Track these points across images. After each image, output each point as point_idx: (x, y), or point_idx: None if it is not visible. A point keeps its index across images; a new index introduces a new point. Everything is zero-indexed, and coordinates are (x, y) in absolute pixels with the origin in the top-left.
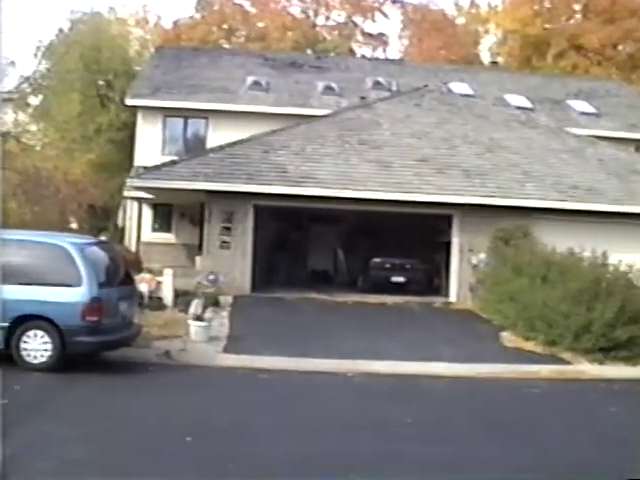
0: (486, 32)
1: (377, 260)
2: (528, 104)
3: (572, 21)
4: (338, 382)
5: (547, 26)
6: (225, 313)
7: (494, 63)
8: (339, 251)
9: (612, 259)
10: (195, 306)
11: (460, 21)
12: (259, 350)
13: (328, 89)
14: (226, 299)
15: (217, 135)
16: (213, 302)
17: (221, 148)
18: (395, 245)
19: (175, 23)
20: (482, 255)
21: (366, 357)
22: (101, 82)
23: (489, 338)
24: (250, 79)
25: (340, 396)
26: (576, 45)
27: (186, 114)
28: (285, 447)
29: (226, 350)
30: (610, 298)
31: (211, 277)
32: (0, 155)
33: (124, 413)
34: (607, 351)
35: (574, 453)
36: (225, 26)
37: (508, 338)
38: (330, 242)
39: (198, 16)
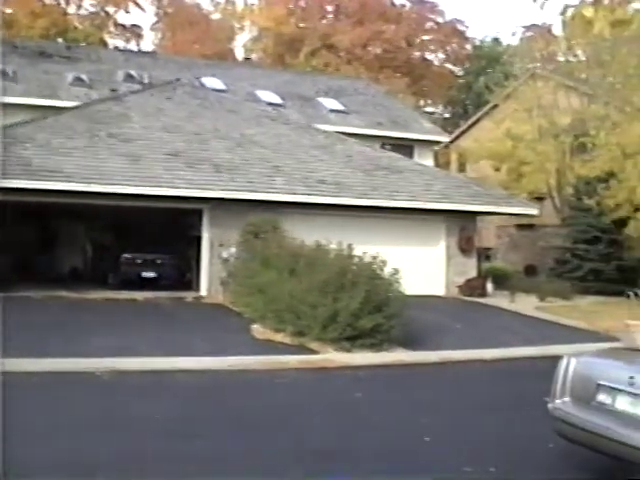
0: (241, 29)
1: (127, 256)
2: (279, 100)
3: (325, 21)
4: (86, 381)
5: (301, 25)
6: None
7: (248, 59)
8: (89, 247)
9: (357, 251)
10: None
11: (215, 16)
12: None
13: (78, 80)
14: None
15: None
16: None
17: None
18: (146, 240)
19: None
20: (232, 249)
21: (116, 354)
22: None
23: (240, 331)
24: None
25: (87, 395)
26: (328, 44)
27: None
28: (32, 450)
29: None
30: (355, 289)
31: None
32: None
33: None
34: (353, 339)
35: (320, 440)
36: None
37: (258, 330)
38: (81, 238)
39: None
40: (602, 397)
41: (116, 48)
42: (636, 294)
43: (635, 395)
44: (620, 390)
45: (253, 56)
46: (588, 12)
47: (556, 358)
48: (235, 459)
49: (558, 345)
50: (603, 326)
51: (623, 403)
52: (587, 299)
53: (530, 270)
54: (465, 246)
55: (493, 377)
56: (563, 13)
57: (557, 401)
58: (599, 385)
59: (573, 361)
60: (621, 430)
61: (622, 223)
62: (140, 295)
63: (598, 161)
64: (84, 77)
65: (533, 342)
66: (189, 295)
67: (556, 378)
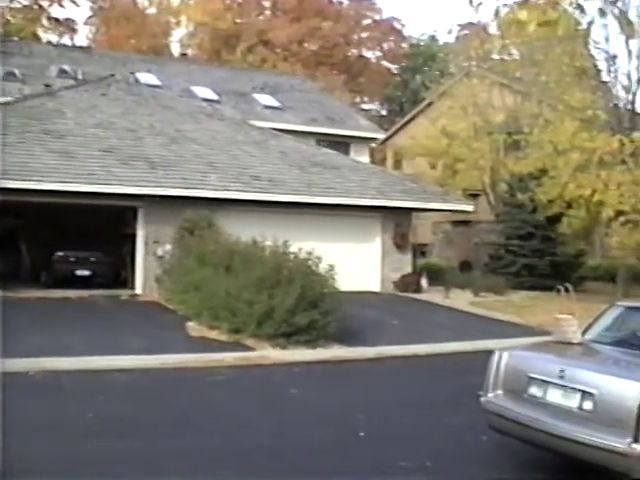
0: (177, 24)
1: (61, 254)
2: (215, 96)
3: (262, 17)
4: (19, 382)
5: (238, 21)
6: None
7: (184, 55)
8: (21, 245)
9: (293, 247)
10: None
11: (151, 11)
12: None
13: (10, 75)
14: None
15: None
16: None
17: None
18: (80, 238)
19: None
20: (167, 246)
21: (50, 354)
22: None
23: (175, 328)
24: None
25: (18, 396)
26: (264, 40)
27: None
28: None
29: None
30: (290, 285)
31: None
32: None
33: None
34: (289, 336)
35: (254, 437)
36: None
37: (193, 328)
38: (12, 236)
39: None
40: (534, 390)
41: (49, 42)
42: (566, 289)
43: (565, 387)
44: (551, 383)
45: (189, 51)
46: (521, 15)
47: (490, 353)
48: (168, 458)
49: (492, 340)
50: (535, 320)
51: (554, 395)
52: (520, 294)
53: (465, 266)
54: (400, 242)
55: (429, 372)
56: (496, 14)
57: (490, 395)
58: (531, 378)
59: (505, 355)
60: (552, 422)
61: (555, 219)
62: (74, 293)
63: (531, 158)
64: (16, 72)
65: (468, 337)
66: (124, 293)
67: (488, 372)
